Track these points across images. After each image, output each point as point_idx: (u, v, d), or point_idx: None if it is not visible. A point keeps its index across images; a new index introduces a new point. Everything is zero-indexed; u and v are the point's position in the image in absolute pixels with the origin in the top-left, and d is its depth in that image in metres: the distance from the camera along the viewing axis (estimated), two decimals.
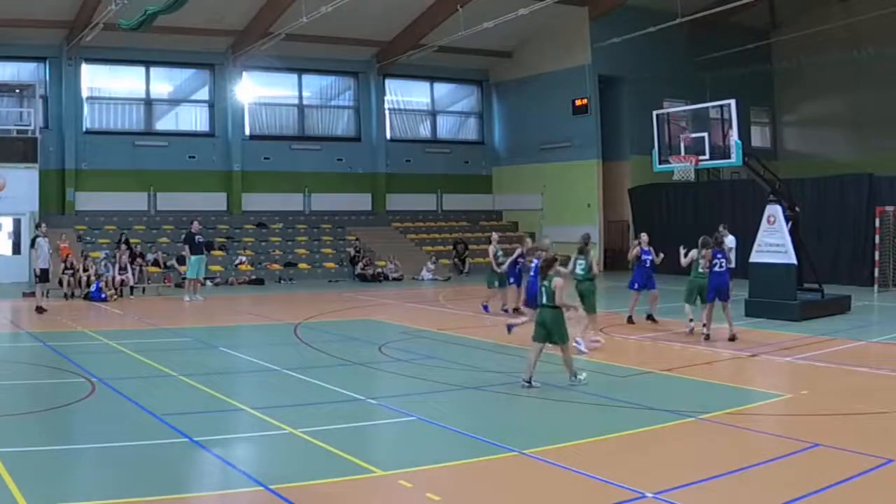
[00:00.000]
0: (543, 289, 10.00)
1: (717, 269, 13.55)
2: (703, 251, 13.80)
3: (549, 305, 9.93)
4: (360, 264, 26.68)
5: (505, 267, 17.33)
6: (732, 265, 14.35)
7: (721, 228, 15.76)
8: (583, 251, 13.32)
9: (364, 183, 31.92)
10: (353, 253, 27.44)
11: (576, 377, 10.03)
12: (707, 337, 13.49)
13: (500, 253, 17.64)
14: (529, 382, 9.95)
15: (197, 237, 21.07)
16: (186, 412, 8.71)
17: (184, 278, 22.79)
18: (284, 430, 7.98)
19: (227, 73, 29.34)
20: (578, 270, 13.06)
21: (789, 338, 13.83)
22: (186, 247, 20.96)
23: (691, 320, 14.02)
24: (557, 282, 9.89)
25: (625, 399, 9.50)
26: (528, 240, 18.74)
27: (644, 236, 16.02)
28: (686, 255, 14.26)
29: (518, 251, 17.50)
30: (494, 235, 18.44)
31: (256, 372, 11.47)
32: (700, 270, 13.85)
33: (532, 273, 13.11)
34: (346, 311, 18.66)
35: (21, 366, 11.95)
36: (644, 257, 15.59)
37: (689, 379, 10.79)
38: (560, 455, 7.16)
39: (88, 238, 25.55)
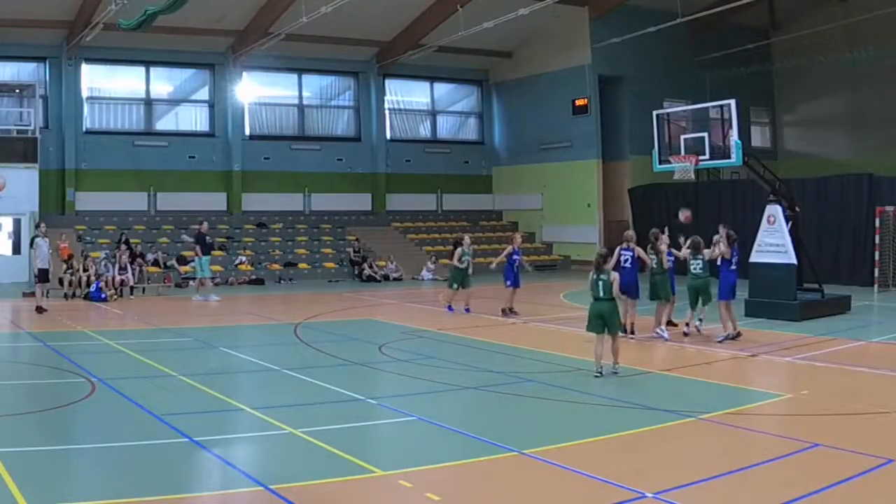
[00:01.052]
0: (601, 282, 10.45)
1: (732, 267, 13.65)
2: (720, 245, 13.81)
3: (605, 298, 10.45)
4: (364, 265, 26.60)
5: (496, 262, 17.37)
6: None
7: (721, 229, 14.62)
8: (654, 246, 13.77)
9: (364, 183, 31.91)
10: (352, 254, 27.41)
11: (617, 366, 10.69)
12: (738, 335, 13.35)
13: (466, 255, 17.62)
14: (601, 373, 10.47)
15: (207, 237, 21.24)
16: (186, 412, 8.71)
17: (184, 278, 22.79)
18: (284, 430, 7.98)
19: (227, 73, 29.33)
20: (652, 265, 13.89)
21: (789, 338, 13.81)
22: (198, 247, 21.01)
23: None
24: (615, 275, 10.56)
25: (625, 399, 9.51)
26: (518, 236, 18.67)
27: (665, 238, 14.37)
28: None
29: (508, 248, 17.48)
30: (466, 238, 18.12)
31: (256, 372, 11.47)
32: (693, 271, 13.46)
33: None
34: (346, 311, 18.65)
35: (21, 366, 11.97)
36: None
37: (689, 379, 10.79)
38: (560, 455, 7.16)
39: (88, 238, 25.54)
